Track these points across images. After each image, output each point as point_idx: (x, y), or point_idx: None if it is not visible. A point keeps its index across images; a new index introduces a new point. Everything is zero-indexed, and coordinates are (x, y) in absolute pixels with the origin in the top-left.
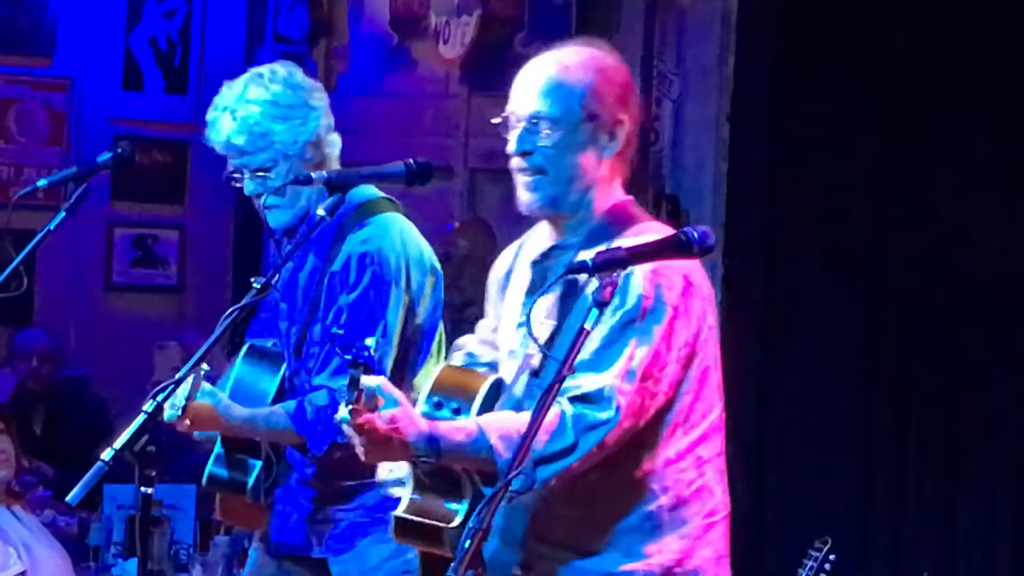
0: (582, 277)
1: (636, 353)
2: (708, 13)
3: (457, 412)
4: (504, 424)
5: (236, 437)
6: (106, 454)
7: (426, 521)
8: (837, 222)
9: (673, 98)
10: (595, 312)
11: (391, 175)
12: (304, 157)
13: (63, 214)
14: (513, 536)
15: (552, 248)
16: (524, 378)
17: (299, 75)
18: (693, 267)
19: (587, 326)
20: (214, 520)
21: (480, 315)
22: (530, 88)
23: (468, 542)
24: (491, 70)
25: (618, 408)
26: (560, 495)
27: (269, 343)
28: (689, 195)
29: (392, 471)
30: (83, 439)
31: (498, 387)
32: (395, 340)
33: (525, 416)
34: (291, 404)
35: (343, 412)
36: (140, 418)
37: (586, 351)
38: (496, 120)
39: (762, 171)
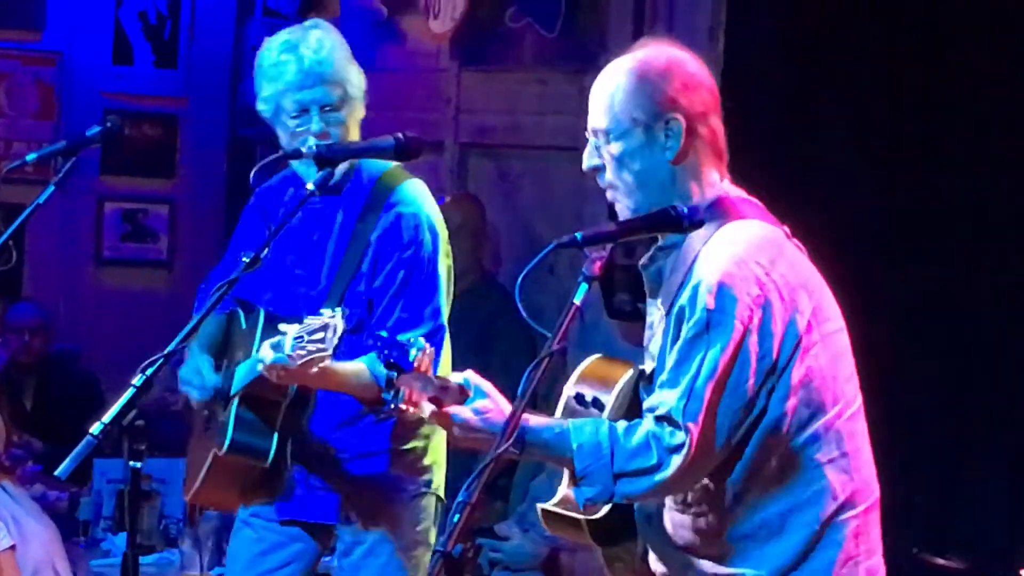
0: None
1: (702, 371)
2: None
3: (594, 404)
4: (590, 431)
5: (264, 399)
6: (95, 428)
7: (567, 513)
8: (836, 203)
9: None
10: (584, 287)
11: (381, 149)
12: (362, 103)
13: (52, 188)
14: (656, 547)
15: (656, 250)
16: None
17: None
18: (777, 264)
19: (576, 301)
20: None
21: (469, 286)
22: (591, 102)
23: (456, 516)
24: (481, 45)
25: (689, 433)
26: (678, 506)
27: (224, 317)
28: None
29: None
30: (73, 413)
31: (639, 378)
32: (447, 299)
33: (618, 427)
34: (368, 358)
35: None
36: (129, 392)
37: (668, 365)
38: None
39: (755, 151)
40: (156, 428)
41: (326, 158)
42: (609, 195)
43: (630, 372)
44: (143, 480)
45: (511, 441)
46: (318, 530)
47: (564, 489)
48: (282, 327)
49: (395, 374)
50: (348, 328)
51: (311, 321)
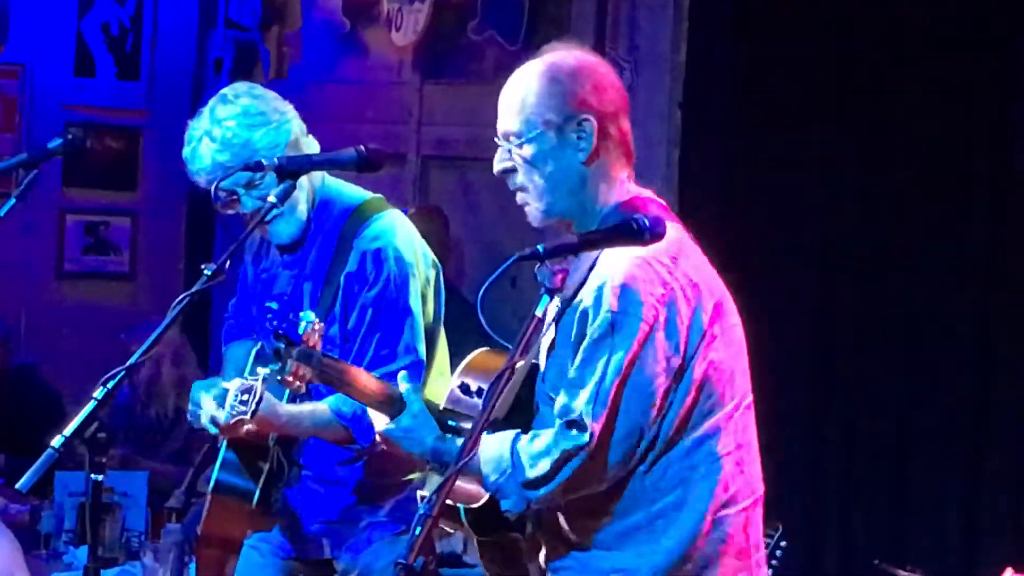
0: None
1: (608, 372)
2: (661, 0)
3: (480, 394)
4: (491, 447)
5: (247, 442)
6: (56, 441)
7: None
8: (790, 210)
9: (626, 85)
10: (545, 299)
11: (342, 162)
12: (289, 147)
13: (13, 200)
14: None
15: None
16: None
17: (258, 87)
18: (679, 264)
19: (537, 313)
20: (165, 507)
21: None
22: (500, 107)
23: (418, 529)
24: (444, 57)
25: (592, 434)
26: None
27: (252, 345)
28: (641, 182)
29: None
30: (34, 426)
31: (534, 370)
32: (422, 329)
33: (523, 439)
34: (331, 399)
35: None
36: (90, 405)
37: (573, 366)
38: None
39: (714, 159)
40: None
41: (287, 171)
42: (520, 198)
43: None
44: (105, 493)
45: (437, 466)
46: (317, 564)
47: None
48: (223, 384)
49: (283, 345)
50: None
51: (245, 381)
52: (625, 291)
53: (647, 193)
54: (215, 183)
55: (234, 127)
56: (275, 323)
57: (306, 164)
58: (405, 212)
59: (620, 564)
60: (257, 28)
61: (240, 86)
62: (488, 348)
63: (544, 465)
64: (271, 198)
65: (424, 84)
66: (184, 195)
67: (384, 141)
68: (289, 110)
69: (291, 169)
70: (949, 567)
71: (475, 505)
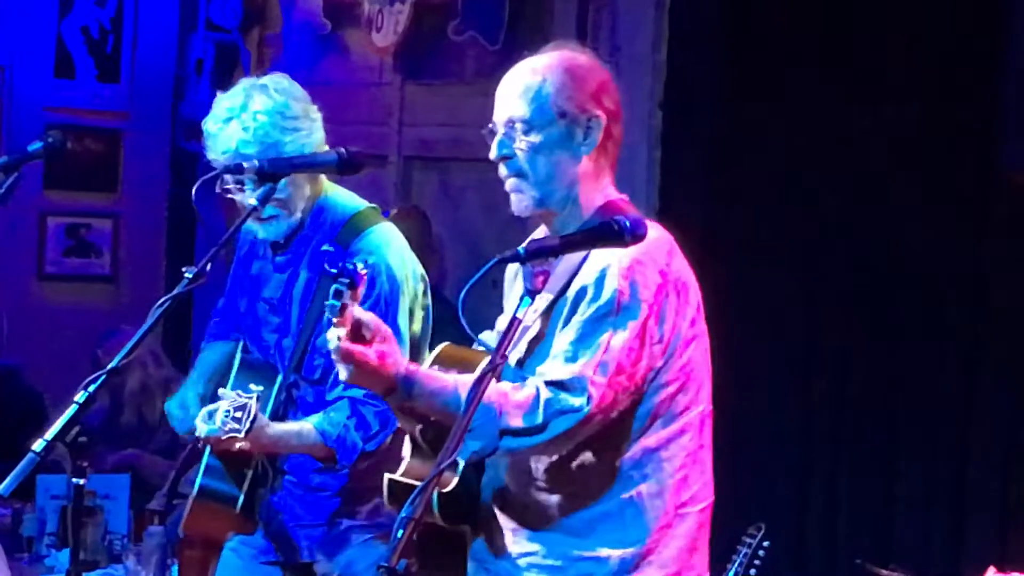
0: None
1: (611, 346)
2: (642, 0)
3: None
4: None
5: (229, 450)
6: (37, 445)
7: (414, 483)
8: (772, 211)
9: None
10: (527, 301)
11: (323, 163)
12: (310, 143)
13: None
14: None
15: None
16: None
17: (297, 86)
18: (672, 261)
19: (519, 315)
20: (147, 510)
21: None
22: (504, 94)
23: (401, 531)
24: (425, 58)
25: (589, 398)
26: (541, 480)
27: (232, 346)
28: (622, 183)
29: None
30: (16, 430)
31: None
32: (407, 347)
33: (504, 386)
34: (316, 419)
35: (333, 340)
36: (72, 409)
37: (563, 342)
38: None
39: (696, 159)
40: None
41: (268, 173)
42: (511, 184)
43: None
44: (87, 496)
45: (402, 392)
46: (297, 568)
47: (408, 459)
48: (220, 392)
49: (345, 286)
50: (313, 378)
51: (239, 397)
52: (633, 274)
53: (624, 198)
54: (224, 170)
55: (266, 124)
56: (339, 263)
57: (286, 167)
58: (387, 214)
59: (587, 552)
60: (238, 30)
61: (282, 80)
62: (450, 343)
63: (529, 420)
64: (252, 200)
65: (405, 85)
66: (165, 197)
67: (365, 142)
68: (319, 118)
69: (271, 172)
70: (933, 567)
71: (446, 489)
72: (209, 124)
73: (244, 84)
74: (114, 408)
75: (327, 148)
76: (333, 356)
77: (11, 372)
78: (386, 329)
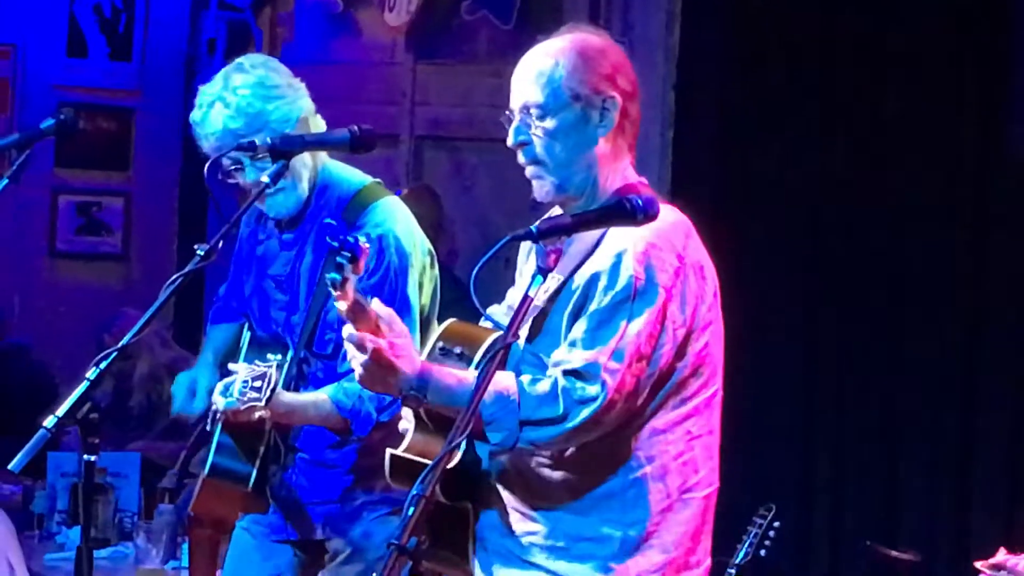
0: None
1: (627, 333)
2: None
3: (460, 357)
4: (497, 380)
5: (243, 426)
6: (48, 421)
7: (423, 461)
8: (783, 193)
9: None
10: (539, 279)
11: (335, 142)
12: (303, 121)
13: (6, 181)
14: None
15: None
16: (521, 344)
17: (274, 60)
18: (689, 244)
19: (531, 293)
20: (158, 488)
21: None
22: (518, 80)
23: (412, 509)
24: (437, 38)
25: (604, 384)
26: (545, 457)
27: (235, 328)
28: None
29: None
30: (27, 407)
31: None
32: (418, 320)
33: (523, 379)
34: (331, 389)
35: (347, 329)
36: (83, 385)
37: (579, 330)
38: None
39: (708, 140)
40: None
41: (279, 150)
42: (531, 171)
43: (496, 334)
44: (97, 474)
45: (416, 391)
46: (310, 545)
47: (411, 435)
48: (231, 366)
49: (347, 259)
50: (325, 353)
51: (256, 367)
52: (648, 258)
53: (643, 180)
54: (220, 151)
55: (249, 96)
56: (340, 236)
57: (299, 144)
58: (399, 193)
59: (589, 532)
60: (250, 8)
61: (256, 57)
62: (456, 320)
63: (550, 410)
64: (264, 178)
65: (417, 64)
66: (176, 175)
67: (377, 121)
68: (302, 87)
69: (284, 149)
70: (941, 548)
71: (449, 465)
72: (195, 114)
73: (222, 71)
74: (123, 392)
75: (318, 116)
76: (346, 346)
77: (21, 349)
78: (402, 326)
